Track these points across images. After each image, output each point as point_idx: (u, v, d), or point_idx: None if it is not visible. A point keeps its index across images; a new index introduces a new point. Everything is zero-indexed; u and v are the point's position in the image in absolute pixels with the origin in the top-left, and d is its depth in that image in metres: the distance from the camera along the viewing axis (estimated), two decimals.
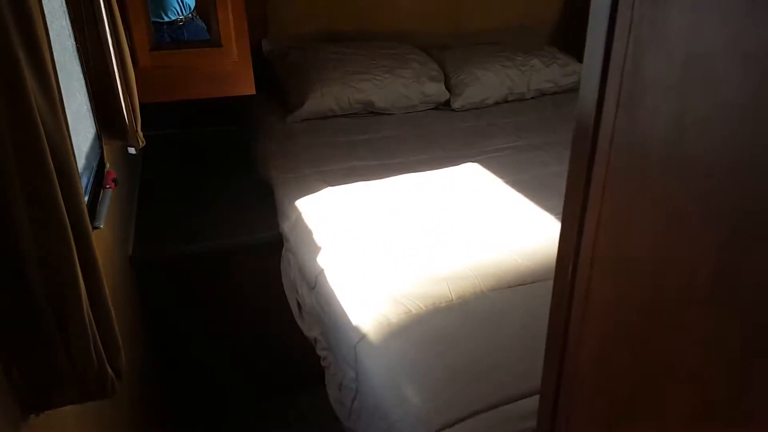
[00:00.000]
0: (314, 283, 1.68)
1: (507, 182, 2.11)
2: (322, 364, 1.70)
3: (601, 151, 0.66)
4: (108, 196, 1.35)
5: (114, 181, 1.41)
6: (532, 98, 3.05)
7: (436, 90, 2.82)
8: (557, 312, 0.79)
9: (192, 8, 2.66)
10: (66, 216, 0.68)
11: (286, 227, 1.97)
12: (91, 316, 0.76)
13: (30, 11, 0.63)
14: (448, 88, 2.87)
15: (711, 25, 0.48)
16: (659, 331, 0.60)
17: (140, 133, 1.63)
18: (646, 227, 0.61)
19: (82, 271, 0.74)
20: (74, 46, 1.46)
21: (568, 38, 3.46)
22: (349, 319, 1.41)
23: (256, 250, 2.01)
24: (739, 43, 0.45)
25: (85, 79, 1.49)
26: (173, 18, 2.58)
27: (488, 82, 2.90)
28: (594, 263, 0.70)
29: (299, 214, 1.93)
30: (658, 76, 0.55)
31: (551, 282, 1.49)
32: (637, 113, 0.59)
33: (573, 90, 3.14)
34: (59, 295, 0.71)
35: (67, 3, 1.44)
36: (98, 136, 1.49)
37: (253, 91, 2.00)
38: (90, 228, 0.75)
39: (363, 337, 1.34)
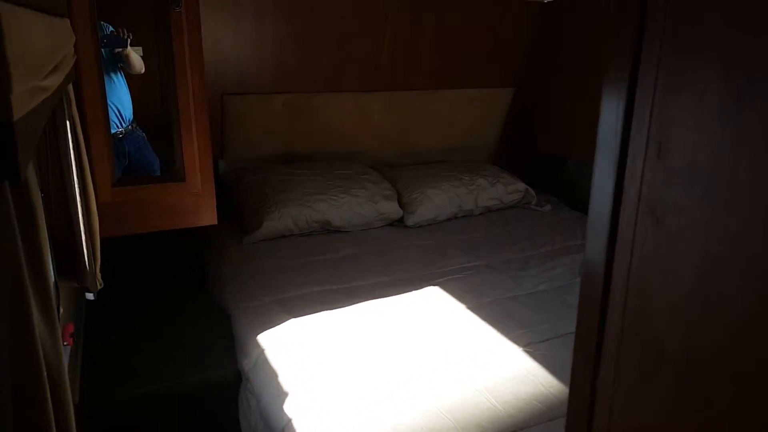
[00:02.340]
0: None
1: (470, 307, 2.12)
2: None
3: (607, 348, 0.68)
4: (66, 354, 1.25)
5: (72, 336, 1.31)
6: (480, 214, 3.17)
7: (390, 208, 2.89)
8: None
9: (131, 120, 2.62)
10: None
11: (246, 365, 1.87)
12: None
13: (39, 237, 0.59)
14: (401, 206, 2.95)
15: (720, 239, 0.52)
16: None
17: (99, 276, 1.54)
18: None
19: None
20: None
21: (508, 158, 3.68)
22: None
23: (211, 390, 1.88)
24: (746, 249, 0.49)
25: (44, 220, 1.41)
26: (113, 132, 2.53)
27: (439, 200, 3.00)
28: None
29: (261, 351, 1.84)
30: (666, 292, 0.58)
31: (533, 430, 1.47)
32: (648, 322, 0.62)
33: (516, 207, 3.30)
34: None
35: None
36: (55, 284, 1.39)
37: (215, 222, 1.96)
38: None
39: None
